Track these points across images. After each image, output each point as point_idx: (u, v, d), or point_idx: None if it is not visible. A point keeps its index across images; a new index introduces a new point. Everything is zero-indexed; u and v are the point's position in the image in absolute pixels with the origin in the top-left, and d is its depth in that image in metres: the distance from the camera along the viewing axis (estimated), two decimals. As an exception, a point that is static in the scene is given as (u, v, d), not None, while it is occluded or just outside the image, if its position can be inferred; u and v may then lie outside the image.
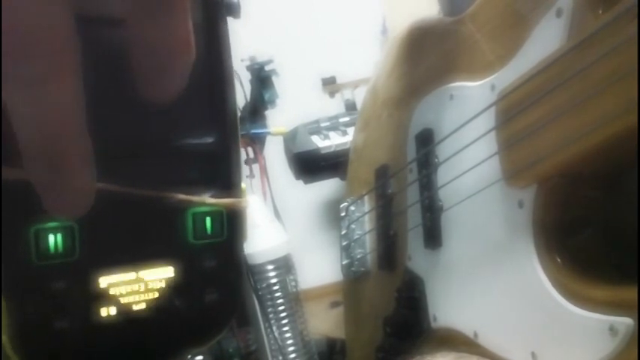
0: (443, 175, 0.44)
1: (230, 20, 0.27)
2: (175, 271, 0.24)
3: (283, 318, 0.87)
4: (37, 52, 0.15)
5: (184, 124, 0.24)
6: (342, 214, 0.63)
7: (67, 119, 0.17)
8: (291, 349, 0.87)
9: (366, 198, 0.60)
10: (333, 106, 1.67)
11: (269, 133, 1.12)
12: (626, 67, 0.26)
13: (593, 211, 0.34)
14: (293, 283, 0.90)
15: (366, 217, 0.60)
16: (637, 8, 0.26)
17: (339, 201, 0.66)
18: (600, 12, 0.30)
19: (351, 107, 1.63)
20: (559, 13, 0.32)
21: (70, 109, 0.17)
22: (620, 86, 0.27)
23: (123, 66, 0.19)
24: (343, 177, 0.79)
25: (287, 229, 0.96)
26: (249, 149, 1.09)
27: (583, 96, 0.29)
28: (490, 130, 0.37)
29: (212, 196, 0.24)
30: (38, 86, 0.16)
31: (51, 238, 0.22)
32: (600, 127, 0.28)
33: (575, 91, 0.30)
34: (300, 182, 1.26)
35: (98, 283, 0.23)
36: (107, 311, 0.23)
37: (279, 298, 0.87)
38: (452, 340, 0.43)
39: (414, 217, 0.49)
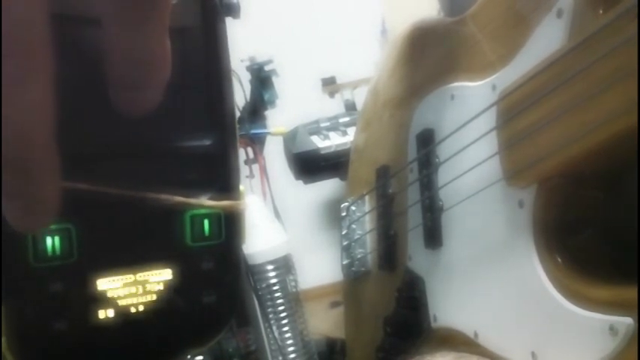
0: (443, 175, 0.44)
1: (230, 20, 0.27)
2: (173, 274, 0.24)
3: (283, 318, 0.87)
4: (9, 52, 0.14)
5: (182, 126, 0.24)
6: (343, 214, 0.63)
7: (35, 125, 0.15)
8: (291, 349, 0.87)
9: (366, 198, 0.61)
10: (333, 106, 1.67)
11: (269, 133, 1.12)
12: (626, 67, 0.26)
13: (594, 211, 0.34)
14: (293, 283, 0.90)
15: (367, 217, 0.60)
16: (637, 8, 0.26)
17: (339, 201, 0.66)
18: (601, 12, 0.30)
19: (350, 107, 1.63)
20: (560, 14, 0.32)
21: (40, 114, 0.15)
22: (621, 86, 0.27)
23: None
24: (343, 177, 0.79)
25: (287, 229, 0.96)
26: (249, 149, 1.09)
27: (583, 96, 0.29)
28: (491, 130, 0.37)
29: (210, 199, 0.24)
30: (7, 87, 0.15)
31: (48, 240, 0.22)
32: (601, 127, 0.28)
33: (576, 91, 0.30)
34: (300, 182, 1.26)
35: (96, 286, 0.23)
36: (105, 313, 0.23)
37: (279, 298, 0.87)
38: (452, 339, 0.43)
39: (414, 217, 0.49)
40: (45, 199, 0.17)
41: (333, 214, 0.72)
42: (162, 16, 0.17)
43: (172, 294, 0.24)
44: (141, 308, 0.24)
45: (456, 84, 0.44)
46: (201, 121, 0.24)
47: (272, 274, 0.86)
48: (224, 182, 0.25)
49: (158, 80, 0.18)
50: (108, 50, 0.17)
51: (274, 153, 1.24)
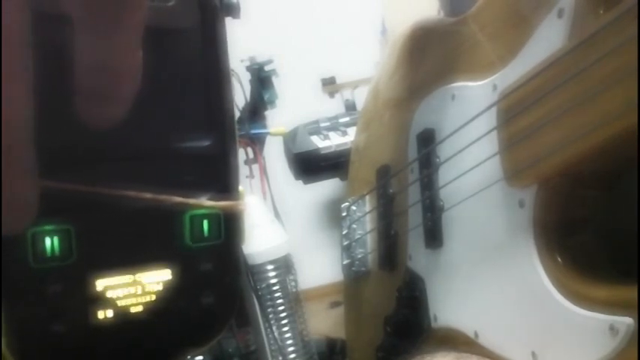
0: (444, 174, 0.44)
1: (230, 20, 0.27)
2: (172, 274, 0.24)
3: (283, 318, 0.87)
4: None
5: (182, 126, 0.24)
6: (343, 214, 0.63)
7: (14, 124, 0.15)
8: (290, 349, 0.87)
9: (367, 198, 0.61)
10: (333, 106, 1.67)
11: (269, 133, 1.12)
12: (626, 68, 0.26)
13: (594, 211, 0.34)
14: (293, 283, 0.90)
15: (367, 217, 0.60)
16: (637, 8, 0.26)
17: (339, 201, 0.66)
18: (601, 12, 0.30)
19: (350, 107, 1.63)
20: (560, 14, 0.32)
21: (18, 114, 0.15)
22: (621, 86, 0.27)
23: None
24: (343, 177, 0.80)
25: (287, 229, 0.96)
26: (249, 149, 1.09)
27: (584, 96, 0.29)
28: (491, 130, 0.37)
29: (210, 199, 0.24)
30: None
31: (47, 241, 0.22)
32: (601, 127, 0.28)
33: (576, 91, 0.30)
34: (300, 182, 1.26)
35: (95, 286, 0.23)
36: (104, 314, 0.23)
37: (278, 298, 0.87)
38: (452, 339, 0.43)
39: (414, 217, 0.49)
40: (23, 200, 0.17)
41: (333, 214, 0.73)
42: (135, 26, 0.17)
43: (171, 295, 0.24)
44: (140, 309, 0.24)
45: (456, 84, 0.44)
46: (200, 121, 0.24)
47: (272, 274, 0.87)
48: (223, 183, 0.25)
49: (124, 94, 0.18)
50: (75, 57, 0.17)
51: (274, 153, 1.24)
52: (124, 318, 0.24)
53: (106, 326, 0.24)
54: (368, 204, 0.60)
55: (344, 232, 0.63)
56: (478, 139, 0.39)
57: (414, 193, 0.49)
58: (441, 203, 0.45)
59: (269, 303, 0.86)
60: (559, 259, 0.33)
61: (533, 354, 0.34)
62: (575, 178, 0.33)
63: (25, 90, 0.15)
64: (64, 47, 0.18)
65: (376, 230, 0.57)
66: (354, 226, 0.61)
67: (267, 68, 1.21)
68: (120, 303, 0.24)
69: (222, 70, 0.24)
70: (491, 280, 0.39)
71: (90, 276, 0.23)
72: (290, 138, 1.22)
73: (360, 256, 0.61)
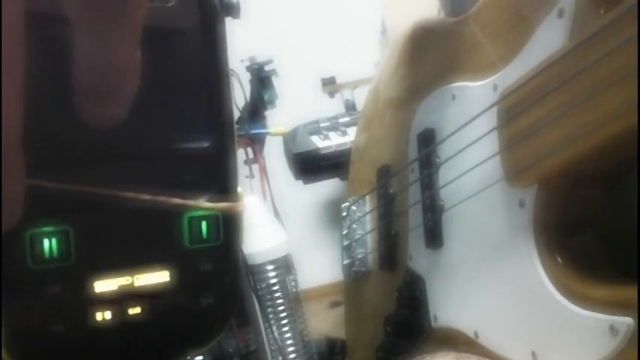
0: (444, 174, 0.44)
1: (230, 20, 0.27)
2: (171, 276, 0.24)
3: (283, 318, 0.87)
4: None
5: (180, 127, 0.24)
6: (344, 213, 0.63)
7: (13, 122, 0.15)
8: (290, 349, 0.87)
9: (367, 198, 0.61)
10: (333, 106, 1.67)
11: (269, 133, 1.12)
12: (627, 67, 0.26)
13: (594, 211, 0.34)
14: (293, 283, 0.90)
15: (368, 217, 0.60)
16: (637, 8, 0.26)
17: (338, 201, 0.66)
18: (602, 12, 0.30)
19: (350, 107, 1.63)
20: (561, 14, 0.32)
21: (9, 114, 0.15)
22: (621, 86, 0.27)
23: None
24: (343, 177, 0.79)
25: (287, 229, 0.96)
26: (249, 149, 1.09)
27: (584, 96, 0.29)
28: (492, 130, 0.37)
29: (208, 200, 0.24)
30: None
31: (46, 242, 0.22)
32: (601, 127, 0.28)
33: (577, 91, 0.30)
34: (300, 182, 1.26)
35: (93, 288, 0.23)
36: (102, 315, 0.23)
37: (278, 298, 0.87)
38: (452, 339, 0.43)
39: (415, 217, 0.49)
40: (11, 199, 0.17)
41: (333, 214, 0.73)
42: (134, 26, 0.17)
43: (170, 296, 0.24)
44: (138, 310, 0.24)
45: (457, 84, 0.44)
46: (199, 122, 0.24)
47: (272, 274, 0.87)
48: (222, 184, 0.25)
49: (123, 94, 0.18)
50: (75, 57, 0.17)
51: (274, 153, 1.24)
52: (122, 319, 0.24)
53: (105, 327, 0.24)
54: (368, 204, 0.60)
55: (344, 232, 0.63)
56: (478, 139, 0.39)
57: (414, 193, 0.49)
58: (442, 203, 0.45)
59: (269, 303, 0.86)
60: (559, 259, 0.33)
61: (533, 354, 0.34)
62: (575, 178, 0.33)
63: (20, 89, 0.16)
64: (64, 47, 0.18)
65: (376, 230, 0.57)
66: (355, 226, 0.61)
67: (267, 68, 1.21)
68: (118, 304, 0.24)
69: (221, 71, 0.24)
70: (492, 280, 0.39)
71: (88, 277, 0.23)
72: (290, 138, 1.22)
73: (360, 256, 0.61)
